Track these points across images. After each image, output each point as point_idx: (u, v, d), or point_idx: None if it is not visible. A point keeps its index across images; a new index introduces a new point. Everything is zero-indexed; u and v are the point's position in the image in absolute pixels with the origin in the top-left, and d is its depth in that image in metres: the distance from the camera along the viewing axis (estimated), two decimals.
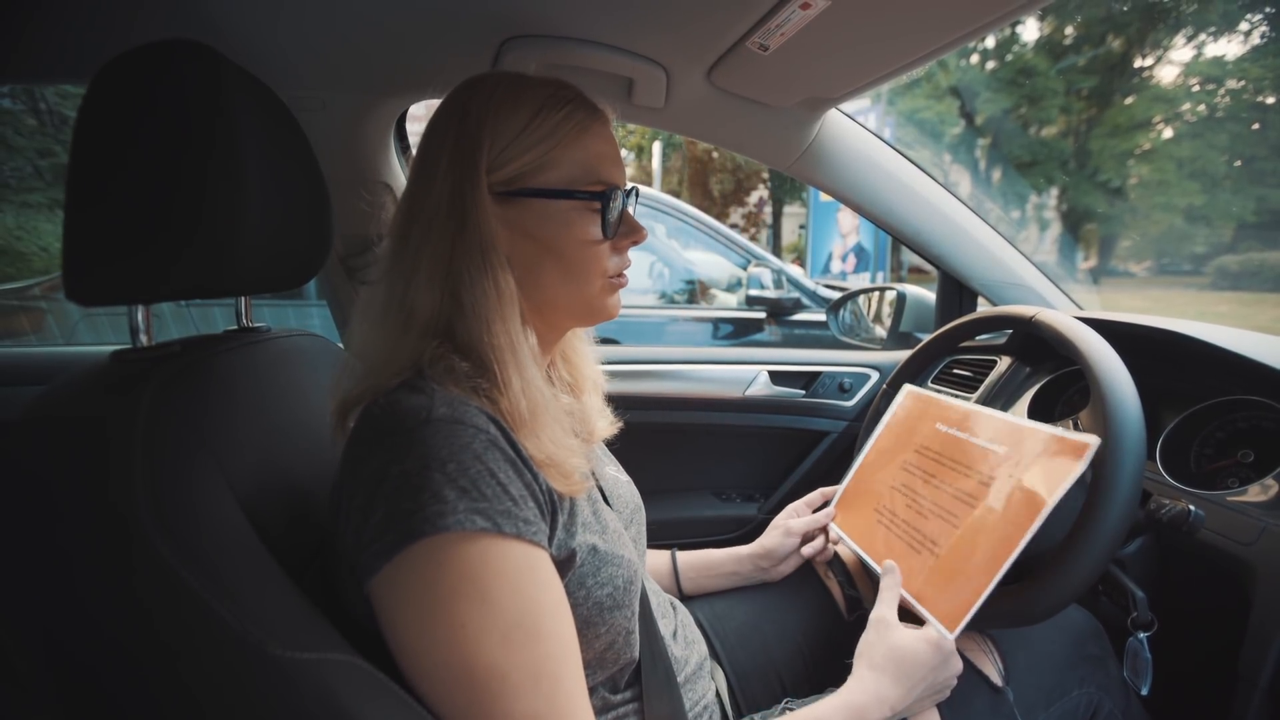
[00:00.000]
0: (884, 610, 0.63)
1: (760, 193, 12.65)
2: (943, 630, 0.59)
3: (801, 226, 11.24)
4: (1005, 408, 0.97)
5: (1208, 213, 8.56)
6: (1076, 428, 0.64)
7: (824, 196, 3.56)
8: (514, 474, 0.46)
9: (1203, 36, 8.74)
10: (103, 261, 0.45)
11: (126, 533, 0.38)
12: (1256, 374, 0.75)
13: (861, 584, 0.83)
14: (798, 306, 2.78)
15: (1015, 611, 0.60)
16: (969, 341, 1.08)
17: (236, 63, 0.50)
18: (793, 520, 0.84)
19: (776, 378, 1.34)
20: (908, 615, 0.63)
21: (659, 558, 0.85)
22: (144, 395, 0.43)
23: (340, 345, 0.76)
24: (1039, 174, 9.70)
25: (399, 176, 1.15)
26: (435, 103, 0.56)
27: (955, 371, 1.13)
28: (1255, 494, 0.70)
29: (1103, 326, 0.78)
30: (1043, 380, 0.96)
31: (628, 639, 0.57)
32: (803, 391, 1.35)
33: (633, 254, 0.60)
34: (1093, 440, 0.60)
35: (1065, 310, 1.02)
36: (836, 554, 0.85)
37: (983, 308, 1.20)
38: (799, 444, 1.36)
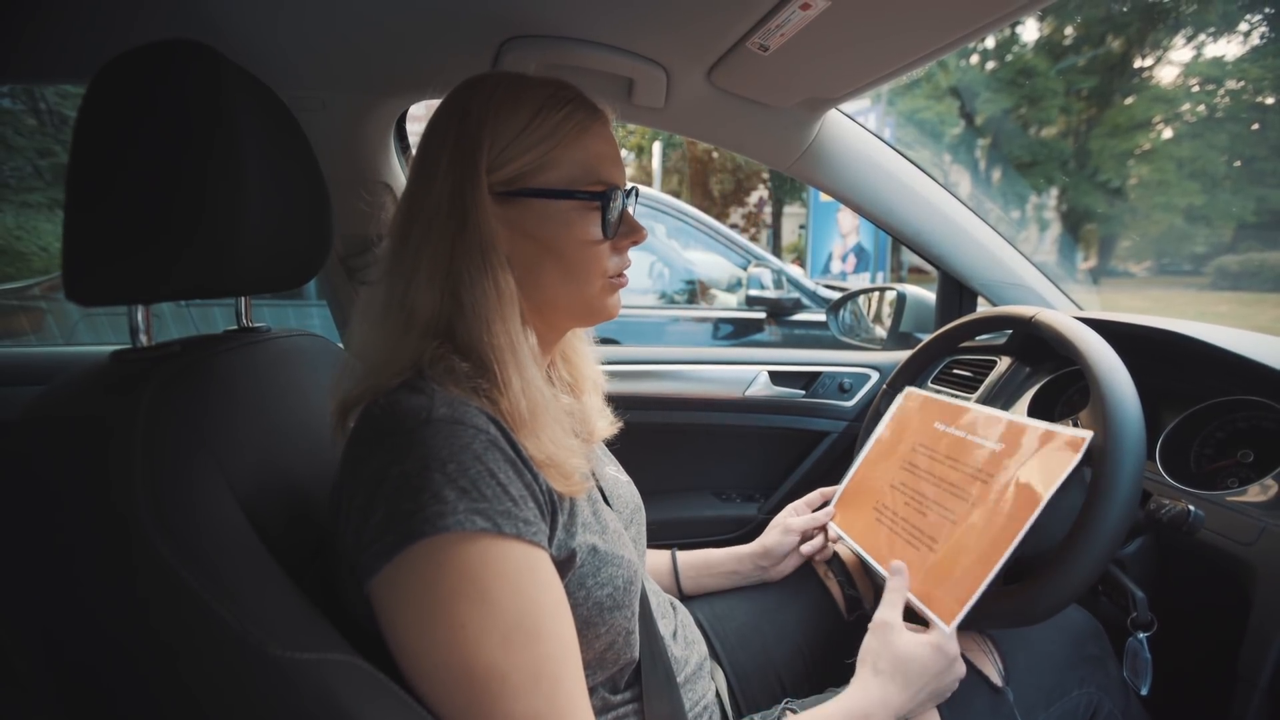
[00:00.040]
0: (889, 613, 0.62)
1: (760, 193, 12.65)
2: (940, 624, 0.60)
3: (801, 226, 11.24)
4: (1005, 408, 0.97)
5: (1208, 213, 8.56)
6: (1076, 427, 0.64)
7: (824, 196, 3.56)
8: (514, 474, 0.46)
9: (1202, 37, 8.75)
10: (103, 261, 0.45)
11: (126, 533, 0.38)
12: (1256, 374, 0.75)
13: (861, 584, 0.83)
14: (798, 306, 2.78)
15: (1015, 611, 0.60)
16: (969, 342, 1.08)
17: (236, 63, 0.50)
18: (792, 519, 0.84)
19: (776, 378, 1.34)
20: (908, 613, 0.63)
21: (659, 558, 0.85)
22: (144, 395, 0.43)
23: (340, 345, 0.76)
24: (1039, 174, 9.70)
25: (399, 176, 1.15)
26: (435, 103, 0.56)
27: (955, 371, 1.13)
28: (1255, 494, 0.70)
29: (1102, 326, 0.78)
30: (1043, 380, 0.96)
31: (628, 639, 0.57)
32: (803, 391, 1.35)
33: (633, 254, 0.60)
34: (1087, 434, 0.60)
35: (1065, 310, 1.02)
36: (836, 554, 0.85)
37: (983, 308, 1.20)
38: (799, 444, 1.36)
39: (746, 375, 1.33)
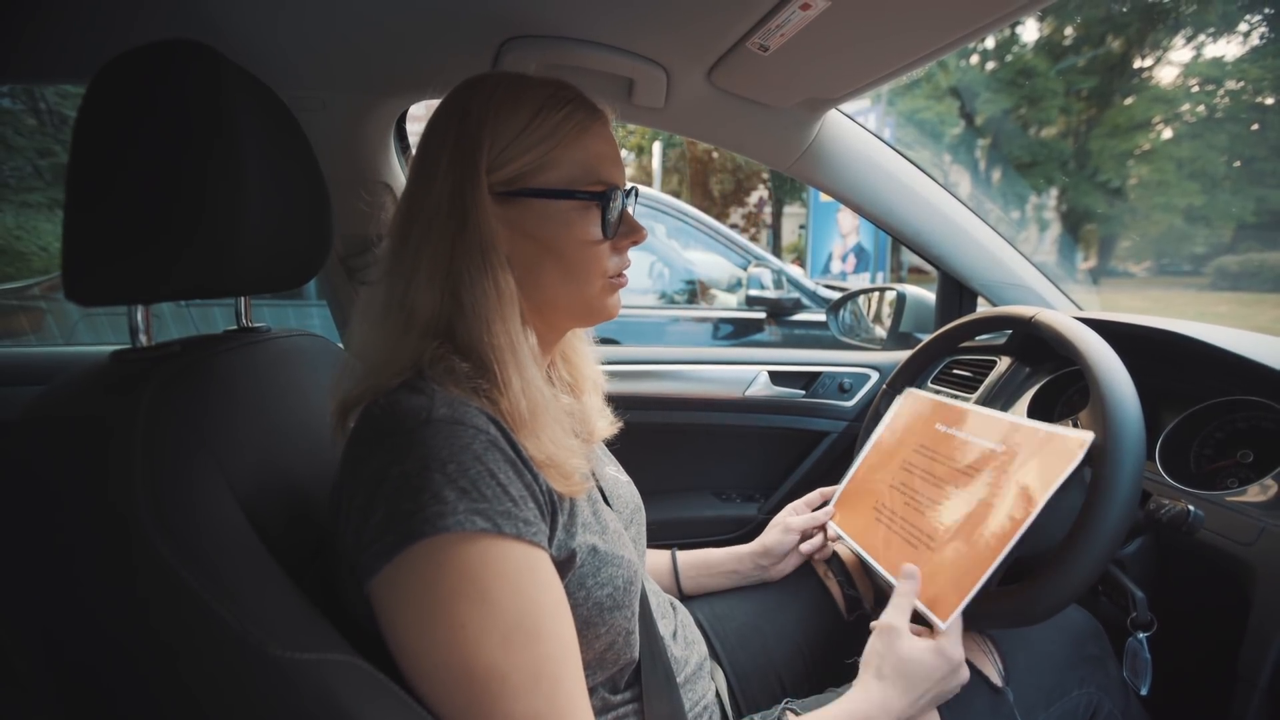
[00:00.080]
0: (895, 617, 0.61)
1: (760, 193, 12.65)
2: (936, 621, 0.60)
3: (801, 226, 11.24)
4: (1005, 408, 0.97)
5: (1207, 213, 8.56)
6: (1076, 428, 0.64)
7: (824, 196, 3.56)
8: (514, 474, 0.46)
9: (1202, 37, 8.75)
10: (103, 261, 0.45)
11: (126, 532, 0.38)
12: (1256, 374, 0.75)
13: (861, 583, 0.83)
14: (798, 307, 2.78)
15: (1015, 611, 0.60)
16: (969, 342, 1.08)
17: (236, 63, 0.50)
18: (791, 518, 0.84)
19: (776, 378, 1.34)
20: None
21: (659, 558, 0.85)
22: (144, 395, 0.43)
23: (340, 345, 0.76)
24: (1039, 174, 9.70)
25: (399, 176, 1.15)
26: (435, 103, 0.56)
27: (955, 372, 1.13)
28: (1255, 494, 0.70)
29: (1102, 327, 0.78)
30: (1042, 380, 0.96)
31: (628, 639, 0.57)
32: (803, 392, 1.35)
33: (633, 254, 0.60)
34: (1087, 436, 0.60)
35: (1065, 310, 1.02)
36: (836, 553, 0.85)
37: (982, 308, 1.20)
38: (799, 444, 1.36)
39: (746, 375, 1.33)
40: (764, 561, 0.83)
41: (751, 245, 3.04)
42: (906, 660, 0.58)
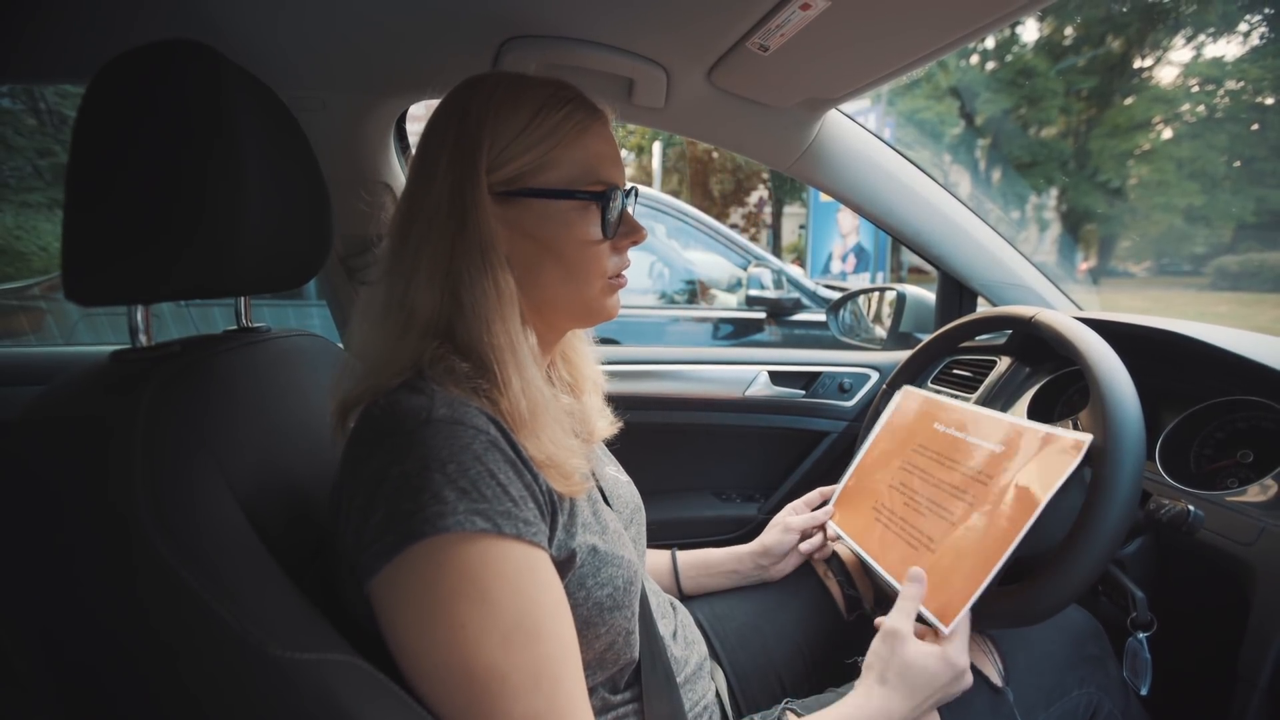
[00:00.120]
0: (899, 621, 0.60)
1: (760, 193, 12.65)
2: (938, 624, 0.60)
3: (801, 226, 11.24)
4: (1005, 408, 0.97)
5: (1207, 213, 8.55)
6: (1076, 428, 0.64)
7: (824, 196, 3.56)
8: (514, 475, 0.46)
9: (1202, 37, 8.74)
10: (102, 261, 0.45)
11: (126, 533, 0.38)
12: (1256, 374, 0.75)
13: (860, 583, 0.83)
14: (798, 307, 2.78)
15: (1015, 611, 0.60)
16: (969, 342, 1.08)
17: (236, 63, 0.50)
18: (791, 518, 0.84)
19: (776, 378, 1.34)
20: None
21: (659, 558, 0.85)
22: (144, 395, 0.43)
23: (340, 345, 0.76)
24: (1039, 174, 9.70)
25: (399, 176, 1.15)
26: (435, 103, 0.56)
27: (955, 372, 1.13)
28: (1254, 494, 0.70)
29: (1102, 327, 0.78)
30: (1042, 380, 0.96)
31: (628, 639, 0.57)
32: (803, 392, 1.35)
33: (633, 254, 0.60)
34: (1086, 437, 0.60)
35: (1065, 310, 1.02)
36: (835, 553, 0.85)
37: (982, 308, 1.20)
38: (799, 444, 1.36)
39: (746, 375, 1.33)
40: (764, 561, 0.83)
41: (751, 245, 3.05)
42: (910, 666, 0.58)
